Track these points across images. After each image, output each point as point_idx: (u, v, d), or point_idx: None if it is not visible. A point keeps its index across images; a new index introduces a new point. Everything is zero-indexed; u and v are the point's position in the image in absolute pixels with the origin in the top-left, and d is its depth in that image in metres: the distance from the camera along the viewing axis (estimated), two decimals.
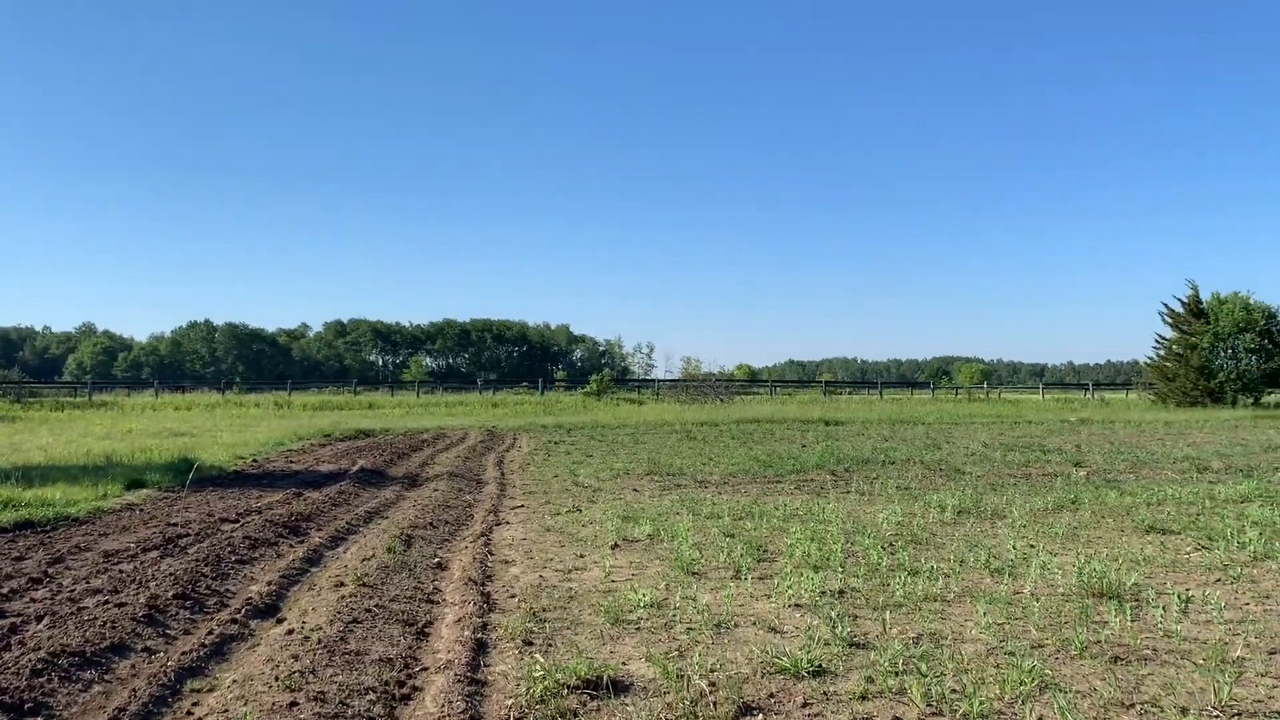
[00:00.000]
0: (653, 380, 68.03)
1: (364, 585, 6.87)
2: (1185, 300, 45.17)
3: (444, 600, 6.68)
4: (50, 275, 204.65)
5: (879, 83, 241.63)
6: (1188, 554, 8.12)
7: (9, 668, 4.90)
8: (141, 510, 10.72)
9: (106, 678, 5.00)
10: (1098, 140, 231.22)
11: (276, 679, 4.80)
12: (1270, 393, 45.44)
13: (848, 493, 12.33)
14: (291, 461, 17.00)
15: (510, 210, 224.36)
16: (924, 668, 4.88)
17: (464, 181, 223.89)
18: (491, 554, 8.29)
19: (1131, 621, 5.80)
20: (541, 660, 5.04)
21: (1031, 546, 8.35)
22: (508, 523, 10.13)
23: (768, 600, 6.47)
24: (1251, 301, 43.42)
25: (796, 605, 6.31)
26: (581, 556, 8.18)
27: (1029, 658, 5.05)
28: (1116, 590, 6.56)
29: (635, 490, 12.86)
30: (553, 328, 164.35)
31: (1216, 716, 4.27)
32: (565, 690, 4.61)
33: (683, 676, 4.75)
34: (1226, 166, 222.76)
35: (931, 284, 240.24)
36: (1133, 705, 4.40)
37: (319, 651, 5.25)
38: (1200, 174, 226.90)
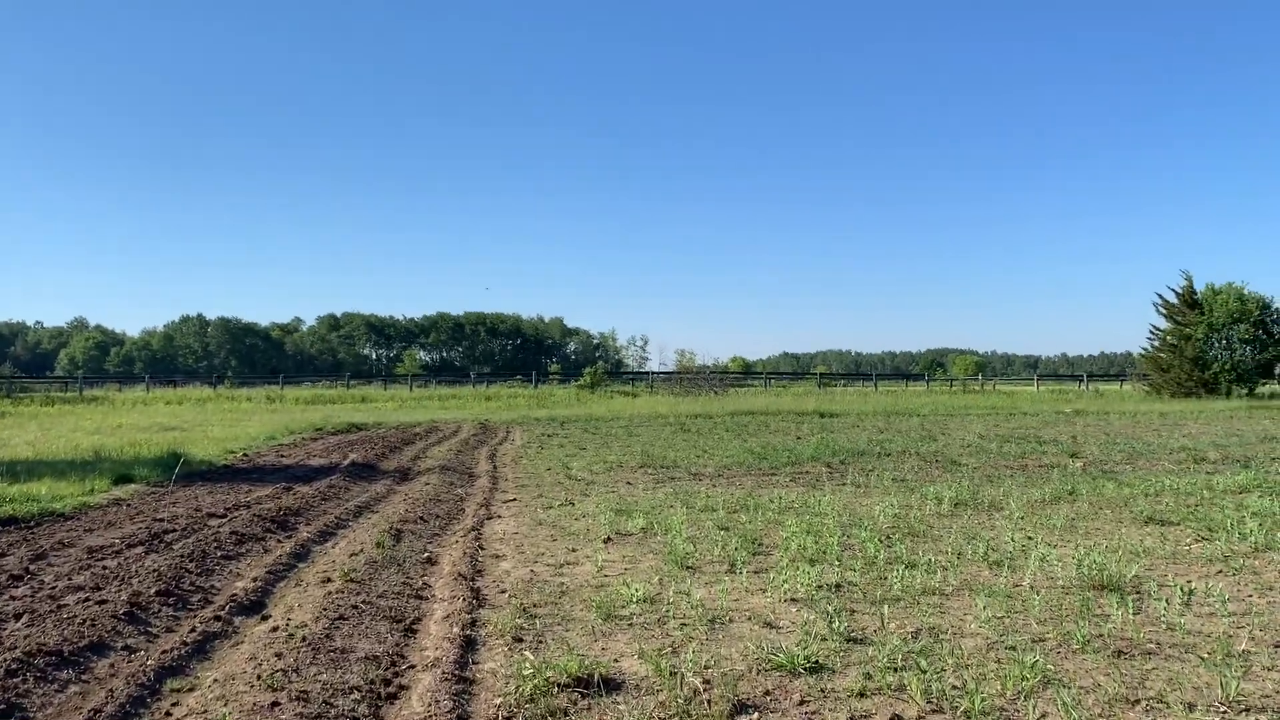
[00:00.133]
0: (647, 373, 67.87)
1: (351, 581, 6.74)
2: (1180, 291, 45.17)
3: (433, 596, 6.55)
4: (42, 270, 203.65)
5: (870, 77, 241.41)
6: (1188, 545, 8.02)
7: None
8: (128, 505, 10.57)
9: (84, 678, 4.86)
10: (1090, 132, 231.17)
11: (259, 678, 4.67)
12: (1264, 383, 45.49)
13: (843, 485, 12.22)
14: (282, 456, 16.86)
15: (504, 204, 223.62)
16: (923, 663, 4.76)
17: (458, 176, 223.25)
18: (482, 548, 8.16)
19: (1134, 615, 5.69)
20: (531, 658, 4.92)
21: (1030, 538, 8.25)
22: (499, 516, 10.01)
23: (763, 595, 6.35)
24: (1246, 292, 43.47)
25: (792, 600, 6.19)
26: (574, 551, 8.05)
27: (1030, 652, 4.93)
28: (1117, 583, 6.45)
29: (629, 483, 12.74)
30: (547, 321, 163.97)
31: (1224, 713, 4.16)
32: (555, 689, 4.49)
33: (676, 674, 4.63)
34: (1219, 158, 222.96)
35: (925, 276, 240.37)
36: (1138, 701, 4.29)
37: (303, 649, 5.12)
38: (1193, 165, 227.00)
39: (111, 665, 5.07)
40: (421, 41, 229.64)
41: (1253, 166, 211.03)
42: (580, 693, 4.47)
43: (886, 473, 13.42)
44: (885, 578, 6.71)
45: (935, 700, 4.30)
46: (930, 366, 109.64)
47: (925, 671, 4.64)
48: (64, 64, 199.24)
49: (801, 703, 4.32)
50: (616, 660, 4.98)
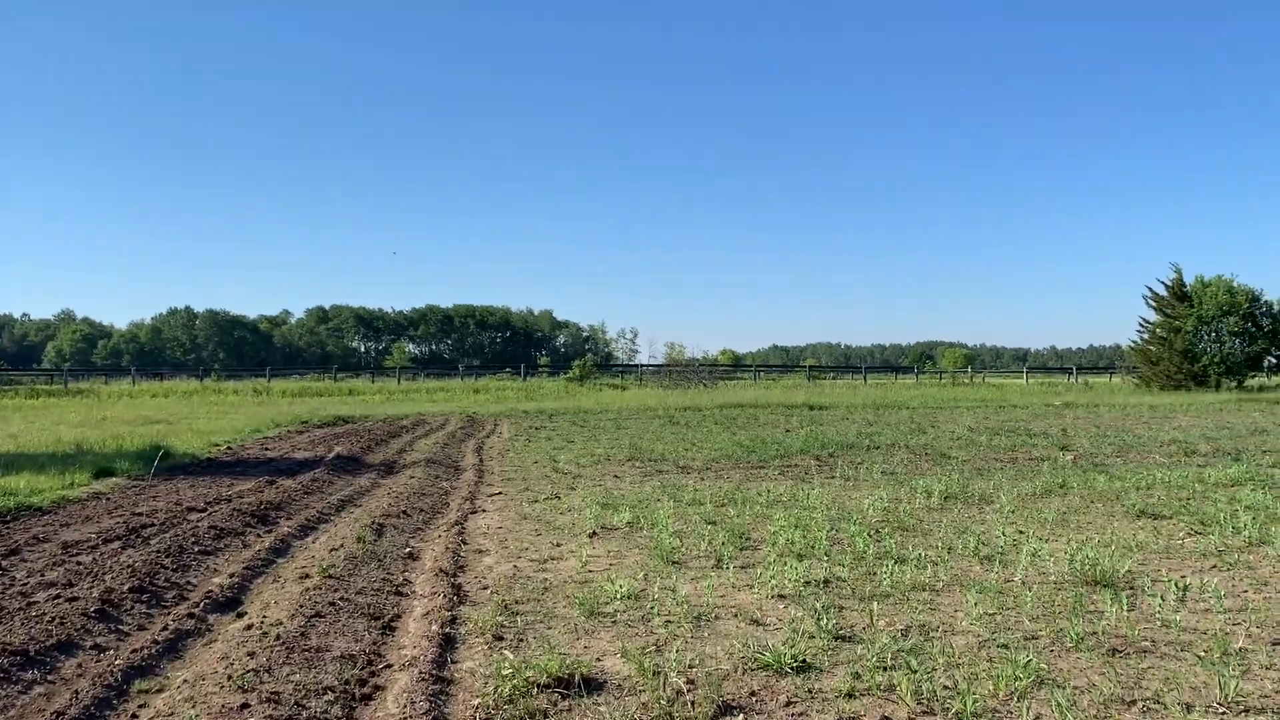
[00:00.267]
0: (636, 366, 67.69)
1: (330, 577, 6.58)
2: (1169, 283, 45.20)
3: (413, 592, 6.41)
4: (30, 263, 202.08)
5: (860, 71, 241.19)
6: (1181, 540, 7.93)
7: None
8: (108, 499, 10.39)
9: (50, 678, 4.71)
10: (1079, 126, 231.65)
11: (230, 678, 4.52)
12: (1253, 376, 45.59)
13: (832, 478, 12.11)
14: (267, 449, 16.67)
15: (494, 196, 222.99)
16: (914, 662, 4.64)
17: (447, 168, 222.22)
18: (465, 543, 8.02)
19: (1128, 611, 5.58)
20: (511, 657, 4.78)
21: (1021, 533, 8.14)
22: (484, 510, 9.86)
23: (750, 591, 6.22)
24: (1235, 285, 43.52)
25: (780, 596, 6.07)
26: (558, 545, 7.92)
27: (1023, 651, 4.82)
28: (1111, 578, 6.34)
29: (616, 476, 12.60)
30: (536, 314, 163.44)
31: (1223, 713, 4.05)
32: (535, 689, 4.35)
33: (659, 674, 4.50)
34: (1208, 152, 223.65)
35: (914, 269, 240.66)
36: (1134, 702, 4.17)
37: (277, 648, 4.97)
38: (1182, 159, 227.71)
39: (79, 665, 4.92)
40: (407, 33, 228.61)
41: (1242, 161, 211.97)
42: (560, 693, 4.33)
43: (876, 466, 13.32)
44: (874, 573, 6.59)
45: (926, 701, 4.18)
46: (919, 359, 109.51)
47: (915, 671, 4.51)
48: (50, 56, 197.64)
49: (788, 704, 4.19)
50: (599, 659, 4.84)
